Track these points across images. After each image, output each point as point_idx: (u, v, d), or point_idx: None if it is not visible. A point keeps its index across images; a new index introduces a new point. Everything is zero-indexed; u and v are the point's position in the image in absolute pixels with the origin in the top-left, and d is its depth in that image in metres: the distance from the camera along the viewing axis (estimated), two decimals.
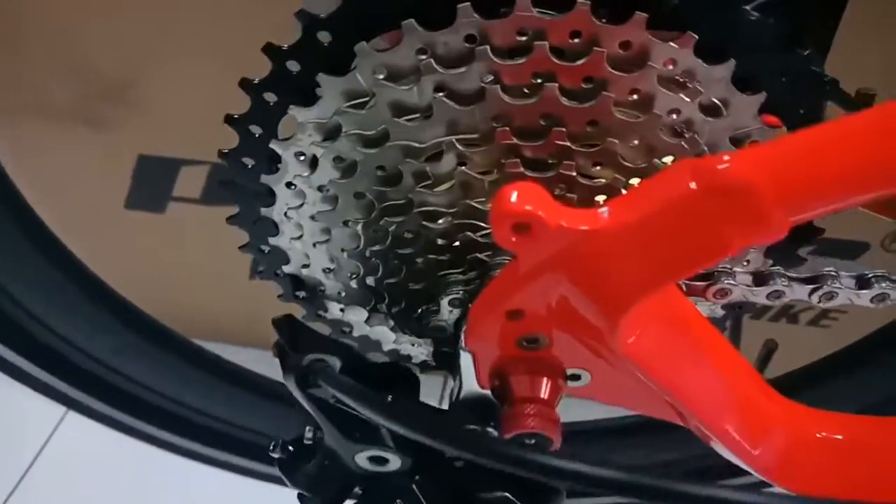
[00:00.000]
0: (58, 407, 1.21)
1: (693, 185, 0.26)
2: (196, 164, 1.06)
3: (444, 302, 0.37)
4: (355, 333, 0.47)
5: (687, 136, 0.35)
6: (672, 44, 0.32)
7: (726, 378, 0.34)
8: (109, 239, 1.17)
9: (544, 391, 0.34)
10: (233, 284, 1.03)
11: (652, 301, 0.31)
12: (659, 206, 0.27)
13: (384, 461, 0.37)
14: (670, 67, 0.33)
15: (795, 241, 0.38)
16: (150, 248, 1.12)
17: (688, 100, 0.34)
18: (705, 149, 0.35)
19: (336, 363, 0.36)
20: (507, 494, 0.40)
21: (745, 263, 0.37)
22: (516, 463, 0.27)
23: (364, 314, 0.45)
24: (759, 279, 0.35)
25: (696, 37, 0.32)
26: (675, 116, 0.34)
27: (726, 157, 0.26)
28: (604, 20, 0.32)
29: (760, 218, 0.26)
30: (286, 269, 0.44)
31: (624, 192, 0.34)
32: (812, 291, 0.35)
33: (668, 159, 0.35)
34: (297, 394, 0.36)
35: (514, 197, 0.28)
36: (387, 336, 0.46)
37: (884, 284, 0.35)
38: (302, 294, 0.46)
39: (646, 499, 0.25)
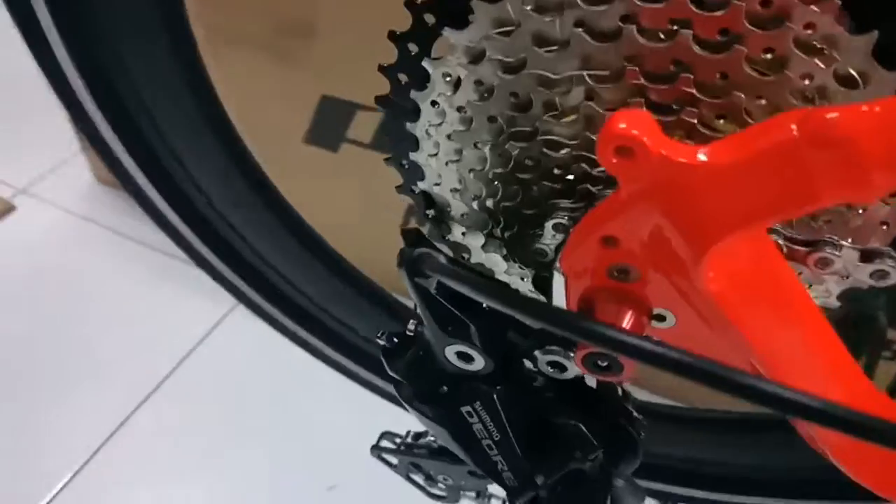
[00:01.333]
0: (215, 312, 1.36)
1: (796, 132, 0.27)
2: (370, 110, 1.13)
3: (549, 226, 0.40)
4: (472, 259, 0.51)
5: (818, 103, 0.35)
6: (814, 7, 0.33)
7: (811, 345, 0.34)
8: (286, 168, 1.28)
9: (627, 322, 0.36)
10: (386, 234, 1.11)
11: (745, 250, 0.32)
12: (759, 149, 0.28)
13: (470, 359, 0.40)
14: (809, 32, 0.33)
15: None
16: (320, 184, 1.22)
17: (823, 67, 0.34)
18: None
19: (442, 257, 0.39)
20: (581, 425, 0.43)
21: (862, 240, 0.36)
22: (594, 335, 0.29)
23: (482, 239, 0.48)
24: (866, 255, 0.35)
25: (839, 2, 0.32)
26: (807, 82, 0.34)
27: (838, 110, 0.27)
28: None
29: (858, 175, 0.26)
30: (421, 185, 0.49)
31: None
32: None
33: None
34: (405, 281, 0.40)
35: (623, 121, 0.30)
36: (499, 265, 0.49)
37: None
38: (431, 213, 0.50)
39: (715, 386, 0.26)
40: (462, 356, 0.41)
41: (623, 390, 0.47)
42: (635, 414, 0.46)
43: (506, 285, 0.42)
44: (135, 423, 1.22)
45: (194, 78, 0.64)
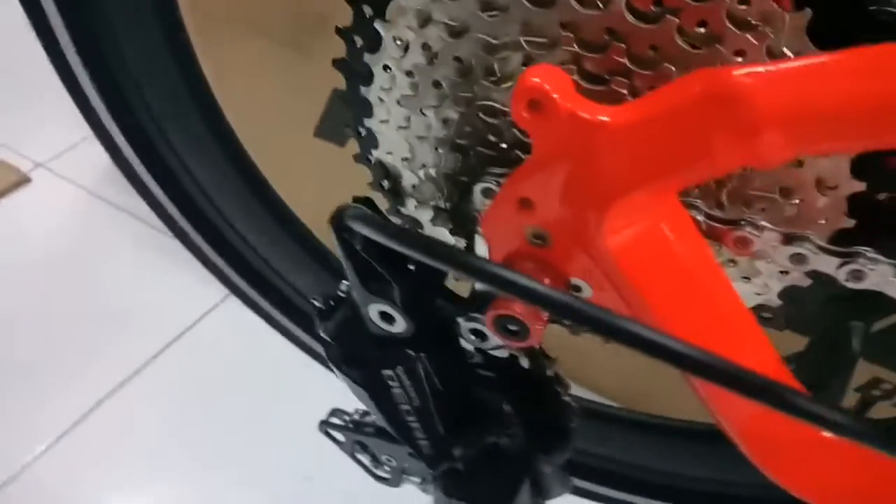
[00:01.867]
0: (207, 300, 1.36)
1: (697, 87, 0.27)
2: None
3: (478, 190, 0.40)
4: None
5: None
6: None
7: (714, 315, 0.33)
8: (294, 160, 1.30)
9: None
10: None
11: (651, 215, 0.31)
12: (660, 108, 0.28)
13: (392, 320, 0.40)
14: (743, 7, 0.33)
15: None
16: (326, 176, 1.23)
17: (756, 43, 0.33)
18: None
19: (368, 212, 0.39)
20: (505, 402, 0.43)
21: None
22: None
23: (431, 212, 0.48)
24: (787, 238, 0.34)
25: None
26: (739, 59, 0.34)
27: (738, 68, 0.27)
28: None
29: (749, 133, 0.26)
30: (375, 153, 0.49)
31: None
32: (841, 265, 0.33)
33: None
34: (334, 237, 0.40)
35: (536, 75, 0.30)
36: (447, 239, 0.49)
37: None
38: (387, 184, 0.50)
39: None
40: (385, 317, 0.40)
41: (558, 376, 0.46)
42: (566, 399, 0.46)
43: (423, 237, 0.42)
44: (112, 405, 1.22)
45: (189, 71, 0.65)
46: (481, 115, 0.39)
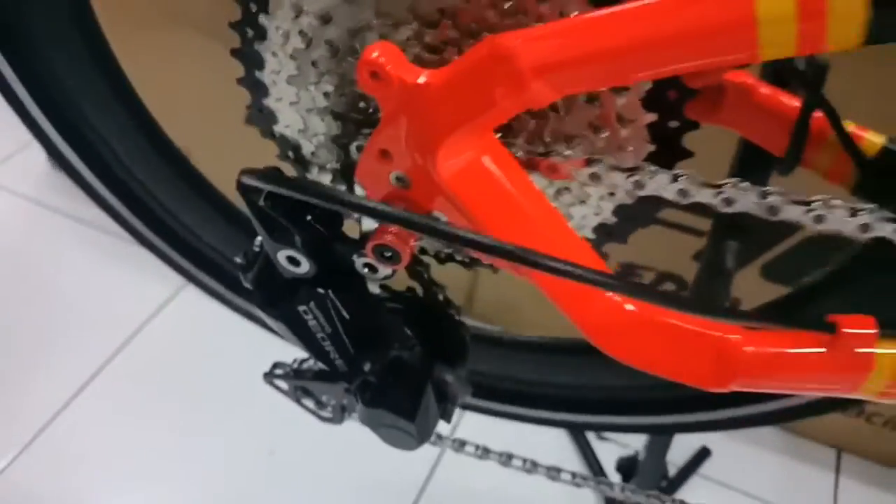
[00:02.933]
0: (163, 293, 1.42)
1: (482, 49, 0.36)
2: None
3: (354, 148, 0.48)
4: None
5: None
6: None
7: (536, 225, 0.43)
8: (228, 146, 1.35)
9: None
10: None
11: (474, 150, 0.41)
12: (461, 68, 0.37)
13: (297, 262, 0.49)
14: None
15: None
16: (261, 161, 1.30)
17: (549, 12, 0.43)
18: None
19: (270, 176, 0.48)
20: (401, 322, 0.52)
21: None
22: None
23: (329, 175, 0.57)
24: (588, 162, 0.43)
25: None
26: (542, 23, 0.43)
27: (506, 35, 0.36)
28: None
29: (518, 84, 0.35)
30: (276, 129, 0.57)
31: None
32: (627, 178, 0.43)
33: None
34: (242, 199, 0.48)
35: (374, 51, 0.39)
36: None
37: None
38: (291, 154, 0.59)
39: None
40: (292, 261, 0.49)
41: (448, 300, 0.56)
42: (457, 317, 0.55)
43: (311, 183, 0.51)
44: (83, 399, 1.28)
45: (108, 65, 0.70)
46: (350, 86, 0.48)
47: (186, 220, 0.81)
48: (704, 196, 0.42)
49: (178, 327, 1.39)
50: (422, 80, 0.38)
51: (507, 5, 0.43)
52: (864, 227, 0.40)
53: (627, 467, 1.18)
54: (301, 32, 0.49)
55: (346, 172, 0.53)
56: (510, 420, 0.76)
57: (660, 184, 0.42)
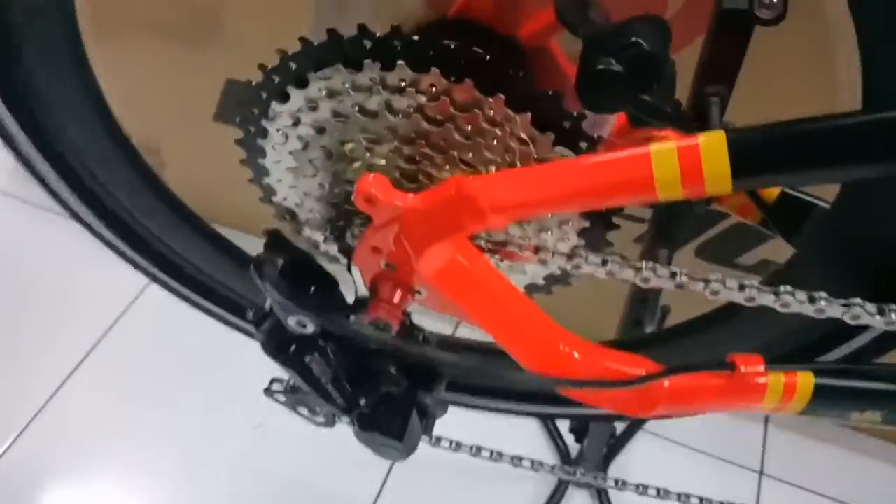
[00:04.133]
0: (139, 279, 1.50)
1: (449, 189, 0.48)
2: None
3: (349, 235, 0.60)
4: (321, 249, 0.71)
5: (508, 155, 0.55)
6: (490, 100, 0.52)
7: (506, 307, 0.55)
8: (198, 144, 1.42)
9: (396, 297, 0.57)
10: None
11: (452, 252, 0.52)
12: (435, 199, 0.49)
13: (304, 325, 0.61)
14: (491, 112, 0.53)
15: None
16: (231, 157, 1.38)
17: (501, 134, 0.54)
18: (517, 163, 0.55)
19: (279, 262, 0.59)
20: (392, 368, 0.64)
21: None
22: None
23: (322, 236, 0.68)
24: (537, 250, 0.56)
25: (503, 98, 0.52)
26: (495, 142, 0.54)
27: (468, 179, 0.47)
28: (452, 79, 0.52)
29: (479, 218, 0.47)
30: (275, 198, 0.68)
31: None
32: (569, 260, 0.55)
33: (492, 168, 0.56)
34: (256, 278, 0.60)
35: (365, 182, 0.50)
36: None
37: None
38: (287, 217, 0.69)
39: None
40: (299, 322, 0.61)
41: (424, 336, 0.68)
42: (435, 353, 0.68)
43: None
44: (70, 387, 1.37)
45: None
46: (346, 187, 0.59)
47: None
48: (628, 275, 0.55)
49: (162, 307, 1.47)
50: (405, 203, 0.49)
51: (466, 129, 0.54)
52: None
53: (579, 430, 1.34)
54: (299, 137, 0.59)
55: (338, 239, 0.64)
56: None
57: (593, 266, 0.54)
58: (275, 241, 0.66)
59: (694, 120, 0.64)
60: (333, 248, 0.68)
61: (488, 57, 0.51)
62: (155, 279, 0.91)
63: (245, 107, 0.59)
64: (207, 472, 1.28)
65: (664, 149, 0.42)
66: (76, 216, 0.84)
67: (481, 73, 0.51)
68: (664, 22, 0.52)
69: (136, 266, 0.89)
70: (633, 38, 0.51)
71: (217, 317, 0.96)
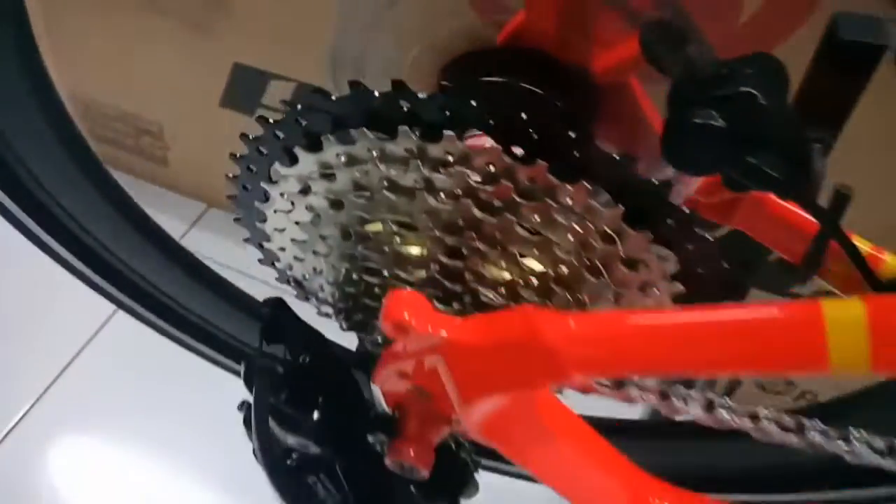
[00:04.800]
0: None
1: (519, 333, 0.34)
2: (284, 79, 1.17)
3: (368, 339, 0.46)
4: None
5: (586, 254, 0.41)
6: (569, 187, 0.38)
7: (578, 459, 0.42)
8: (202, 129, 1.31)
9: (428, 432, 0.43)
10: None
11: (515, 405, 0.39)
12: (493, 337, 0.35)
13: (307, 446, 0.48)
14: (570, 202, 0.39)
15: None
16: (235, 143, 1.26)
17: (580, 230, 0.40)
18: (598, 265, 0.42)
19: (279, 370, 0.46)
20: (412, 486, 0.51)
21: None
22: None
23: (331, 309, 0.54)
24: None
25: (590, 188, 0.38)
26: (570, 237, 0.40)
27: (553, 321, 0.33)
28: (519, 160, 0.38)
29: (559, 375, 0.33)
30: (277, 265, 0.54)
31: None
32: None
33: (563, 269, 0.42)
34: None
35: (397, 302, 0.36)
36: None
37: None
38: (293, 285, 0.56)
39: None
40: (300, 444, 0.48)
41: (457, 441, 0.55)
42: (467, 460, 0.55)
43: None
44: (70, 375, 1.24)
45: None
46: (365, 275, 0.45)
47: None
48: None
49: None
50: (453, 335, 0.36)
51: (532, 220, 0.40)
52: None
53: None
54: (309, 208, 0.45)
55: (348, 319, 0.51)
56: None
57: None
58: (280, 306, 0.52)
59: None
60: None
61: (572, 134, 0.36)
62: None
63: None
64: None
65: (845, 316, 0.28)
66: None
67: (559, 153, 0.37)
68: (781, 65, 0.39)
69: None
70: (742, 87, 0.38)
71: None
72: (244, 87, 1.23)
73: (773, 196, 0.54)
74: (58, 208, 0.64)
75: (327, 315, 0.56)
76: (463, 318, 0.37)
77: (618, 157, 0.37)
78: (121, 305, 0.75)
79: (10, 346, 1.24)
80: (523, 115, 0.36)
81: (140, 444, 1.14)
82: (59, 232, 0.65)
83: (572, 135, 0.36)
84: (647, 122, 0.54)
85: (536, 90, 0.47)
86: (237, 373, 0.53)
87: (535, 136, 0.37)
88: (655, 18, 0.40)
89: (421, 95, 0.38)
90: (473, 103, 0.36)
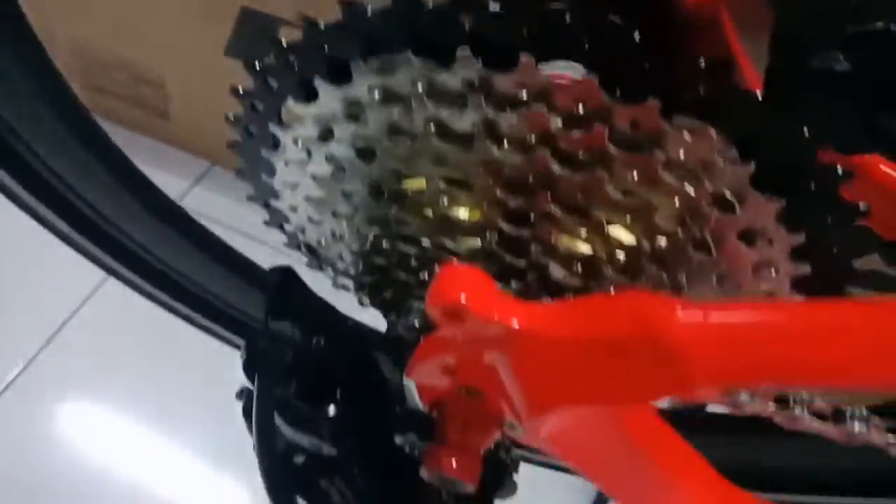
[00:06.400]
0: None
1: (630, 328, 0.25)
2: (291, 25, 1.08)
3: (403, 320, 0.37)
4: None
5: (690, 224, 0.32)
6: (687, 136, 0.29)
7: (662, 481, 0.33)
8: (208, 79, 1.22)
9: (473, 438, 0.35)
10: None
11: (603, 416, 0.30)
12: (585, 331, 0.26)
13: (320, 447, 0.39)
14: (683, 156, 0.30)
15: None
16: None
17: (692, 192, 0.30)
18: (707, 237, 0.32)
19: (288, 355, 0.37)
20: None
21: None
22: None
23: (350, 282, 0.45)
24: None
25: (714, 136, 0.28)
26: (677, 200, 0.31)
27: (678, 313, 0.24)
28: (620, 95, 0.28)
29: (683, 386, 0.24)
30: (287, 227, 0.45)
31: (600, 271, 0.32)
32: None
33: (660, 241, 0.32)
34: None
35: (449, 279, 0.27)
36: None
37: None
38: (307, 253, 0.47)
39: None
40: (312, 443, 0.39)
41: (502, 442, 0.46)
42: (507, 461, 0.46)
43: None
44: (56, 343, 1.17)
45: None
46: (400, 242, 0.36)
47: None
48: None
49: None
50: (525, 325, 0.26)
51: (628, 179, 0.30)
52: None
53: None
54: (329, 158, 0.36)
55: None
56: None
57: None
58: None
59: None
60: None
61: (702, 63, 0.27)
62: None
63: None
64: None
65: None
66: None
67: (680, 89, 0.28)
68: None
69: None
70: (881, 23, 0.30)
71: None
72: (252, 34, 1.13)
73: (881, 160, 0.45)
74: (33, 157, 0.55)
75: (345, 287, 0.47)
76: (540, 303, 0.27)
77: (763, 100, 0.27)
78: (109, 271, 0.66)
79: None
80: (636, 36, 0.26)
81: (138, 407, 1.07)
82: (37, 188, 0.56)
83: (703, 64, 0.26)
84: (741, 69, 0.45)
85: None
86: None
87: (647, 67, 0.27)
88: None
89: (491, 7, 0.28)
90: (568, 18, 0.26)
